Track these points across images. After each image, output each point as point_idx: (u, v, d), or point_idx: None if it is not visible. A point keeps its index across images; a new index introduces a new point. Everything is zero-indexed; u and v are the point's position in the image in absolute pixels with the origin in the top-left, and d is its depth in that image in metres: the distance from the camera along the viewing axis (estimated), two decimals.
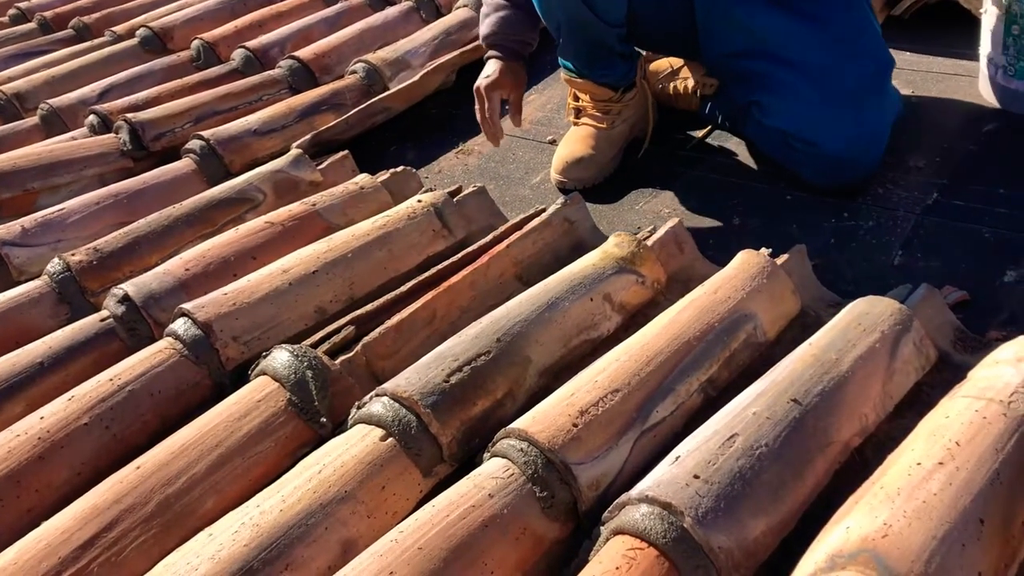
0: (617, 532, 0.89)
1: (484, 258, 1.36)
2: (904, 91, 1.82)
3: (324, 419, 1.12)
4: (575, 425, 0.99)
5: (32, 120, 2.23)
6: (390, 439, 1.03)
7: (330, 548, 0.93)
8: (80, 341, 1.30)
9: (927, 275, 1.36)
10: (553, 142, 1.94)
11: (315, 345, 1.20)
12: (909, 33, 2.02)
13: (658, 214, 1.65)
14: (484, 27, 1.78)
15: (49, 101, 2.23)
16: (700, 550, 0.85)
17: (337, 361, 1.17)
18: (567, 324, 1.20)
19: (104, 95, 2.27)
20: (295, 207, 1.56)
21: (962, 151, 1.64)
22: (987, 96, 1.77)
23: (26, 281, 1.48)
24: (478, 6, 2.39)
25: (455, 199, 1.55)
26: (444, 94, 2.21)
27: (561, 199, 1.48)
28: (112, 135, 1.99)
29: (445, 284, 1.30)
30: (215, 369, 1.23)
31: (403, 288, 1.32)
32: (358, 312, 1.27)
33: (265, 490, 1.00)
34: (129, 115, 1.98)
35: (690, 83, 1.85)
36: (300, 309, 1.31)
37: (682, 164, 1.78)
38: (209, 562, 0.90)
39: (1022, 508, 0.88)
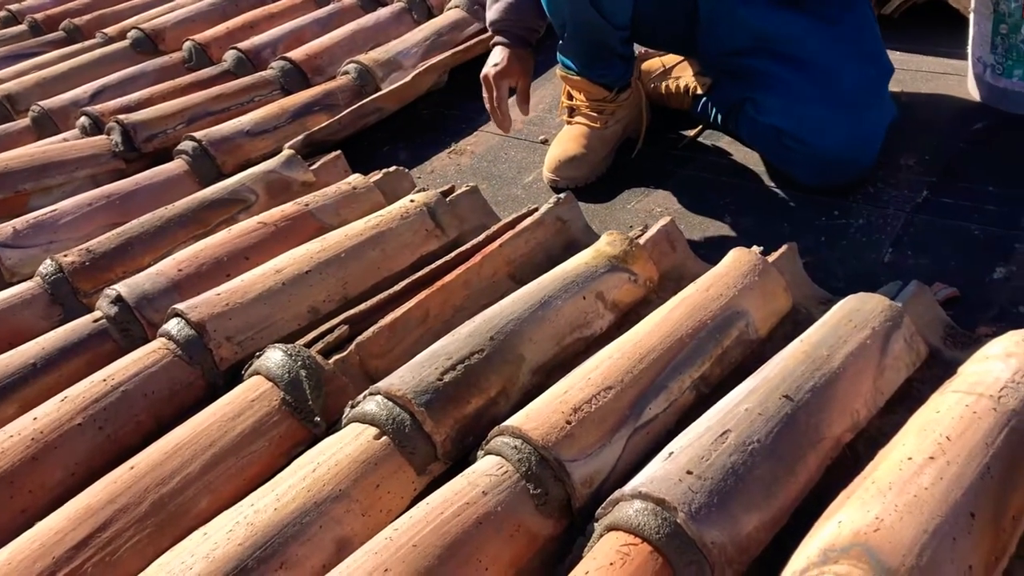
0: (611, 528, 0.90)
1: (477, 257, 1.36)
2: (894, 89, 1.82)
3: (318, 418, 1.12)
4: (568, 422, 1.00)
5: (24, 122, 2.22)
6: (384, 438, 1.03)
7: (324, 546, 0.93)
8: (73, 342, 1.30)
9: (917, 272, 1.37)
10: (545, 141, 1.95)
11: (309, 345, 1.21)
12: (898, 32, 2.03)
13: (650, 213, 1.65)
14: (491, 13, 1.76)
15: (40, 103, 2.22)
16: (693, 545, 0.85)
17: (331, 360, 1.17)
18: (560, 322, 1.21)
19: (96, 97, 2.27)
20: (288, 207, 1.56)
21: (952, 149, 1.65)
22: (976, 95, 1.78)
23: (18, 282, 1.48)
24: (470, 7, 2.40)
25: (448, 199, 1.55)
26: (436, 94, 2.22)
27: (554, 198, 1.48)
28: (104, 136, 1.99)
29: (438, 283, 1.31)
30: (209, 369, 1.23)
31: (396, 287, 1.32)
32: (351, 311, 1.27)
33: (259, 489, 1.00)
34: (121, 116, 1.98)
35: (682, 82, 1.86)
36: (293, 309, 1.31)
37: (674, 163, 1.79)
38: (204, 561, 0.90)
39: (1012, 502, 0.88)
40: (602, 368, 1.08)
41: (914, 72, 1.92)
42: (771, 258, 1.28)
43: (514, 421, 1.00)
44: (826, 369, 1.03)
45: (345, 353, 1.19)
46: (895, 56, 1.95)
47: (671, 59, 1.91)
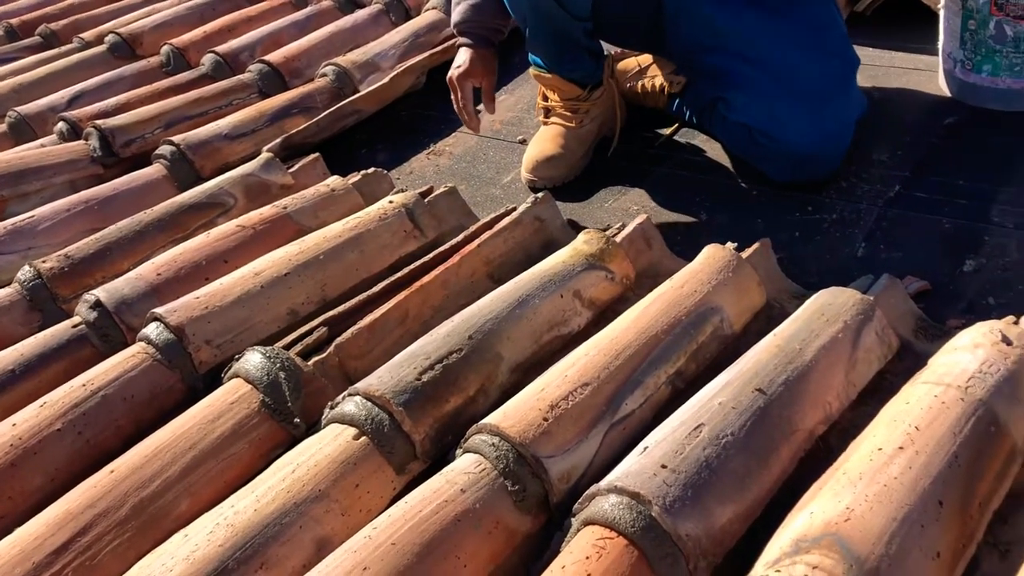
0: (587, 523, 0.91)
1: (456, 257, 1.37)
2: (866, 85, 1.85)
3: (297, 420, 1.13)
4: (546, 419, 1.01)
5: (0, 128, 2.21)
6: (363, 438, 1.04)
7: (304, 546, 0.94)
8: (52, 348, 1.30)
9: (889, 266, 1.38)
10: (523, 142, 1.96)
11: (288, 347, 1.21)
12: (871, 29, 2.05)
13: (627, 211, 1.67)
14: (455, 15, 1.79)
15: (17, 109, 2.21)
16: (668, 538, 0.87)
17: (310, 362, 1.18)
18: (538, 321, 1.22)
19: (73, 102, 2.26)
20: (266, 210, 1.56)
21: (923, 144, 1.67)
22: (947, 90, 1.80)
23: None
24: (447, 8, 2.40)
25: (426, 199, 1.56)
26: (414, 96, 2.23)
27: (531, 198, 1.49)
28: (82, 142, 1.99)
29: (417, 284, 1.31)
30: (188, 373, 1.23)
31: (375, 288, 1.33)
32: (331, 313, 1.28)
33: (240, 491, 1.01)
34: (99, 121, 1.98)
35: (657, 81, 1.87)
36: (272, 311, 1.31)
37: (650, 161, 1.80)
38: (184, 563, 0.91)
39: (979, 489, 0.90)
40: (579, 365, 1.09)
41: (886, 68, 1.94)
42: (745, 254, 1.29)
43: (492, 419, 1.01)
44: (798, 363, 1.05)
45: (324, 355, 1.20)
46: (867, 52, 1.98)
47: (646, 59, 1.92)
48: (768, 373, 1.03)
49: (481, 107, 1.86)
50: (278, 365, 1.15)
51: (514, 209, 1.48)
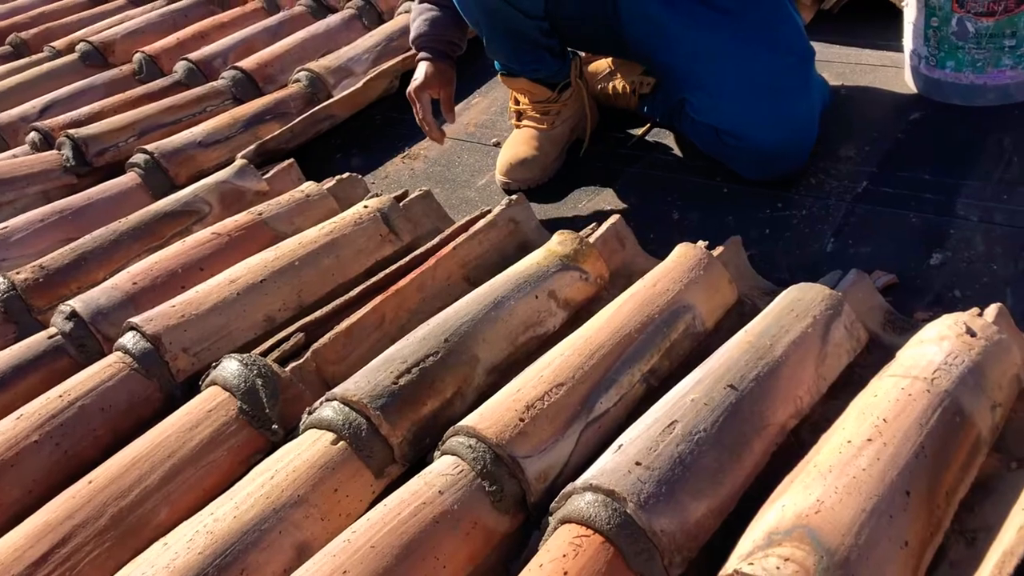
0: (564, 521, 0.92)
1: (431, 261, 1.38)
2: (834, 83, 1.87)
3: (276, 426, 1.13)
4: (522, 420, 1.02)
5: None
6: (341, 442, 1.05)
7: (284, 551, 0.95)
8: (28, 359, 1.30)
9: (858, 261, 1.41)
10: (497, 144, 1.97)
11: (265, 353, 1.22)
12: (838, 26, 2.08)
13: (600, 211, 1.68)
14: (413, 30, 1.81)
15: None
16: (643, 534, 0.88)
17: (287, 368, 1.19)
18: (513, 322, 1.23)
19: (45, 111, 2.26)
20: (241, 217, 1.56)
21: (890, 139, 1.70)
22: (913, 86, 1.83)
23: None
24: None
25: (401, 203, 1.57)
26: (388, 100, 2.23)
27: (506, 200, 1.50)
28: (55, 152, 1.98)
29: (393, 288, 1.32)
30: (166, 381, 1.24)
31: (352, 293, 1.33)
32: (307, 319, 1.29)
33: (219, 498, 1.01)
34: (71, 131, 1.97)
35: (628, 82, 1.89)
36: (249, 318, 1.32)
37: (622, 162, 1.82)
38: (164, 571, 0.91)
39: (946, 478, 0.92)
40: (554, 365, 1.10)
41: (853, 65, 1.97)
42: (716, 252, 1.31)
43: (469, 421, 1.02)
44: (769, 358, 1.07)
45: (302, 360, 1.20)
46: (834, 50, 2.01)
47: (617, 60, 1.94)
48: (739, 369, 1.05)
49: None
50: (255, 372, 1.15)
51: (489, 211, 1.49)
